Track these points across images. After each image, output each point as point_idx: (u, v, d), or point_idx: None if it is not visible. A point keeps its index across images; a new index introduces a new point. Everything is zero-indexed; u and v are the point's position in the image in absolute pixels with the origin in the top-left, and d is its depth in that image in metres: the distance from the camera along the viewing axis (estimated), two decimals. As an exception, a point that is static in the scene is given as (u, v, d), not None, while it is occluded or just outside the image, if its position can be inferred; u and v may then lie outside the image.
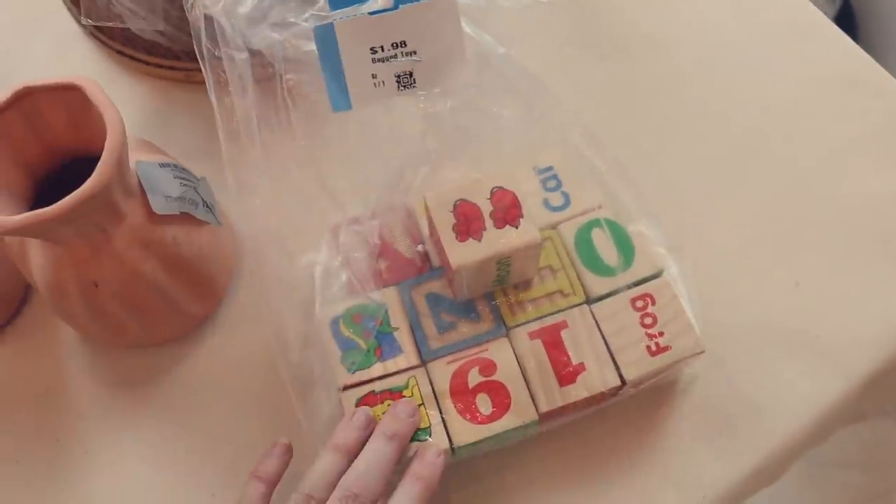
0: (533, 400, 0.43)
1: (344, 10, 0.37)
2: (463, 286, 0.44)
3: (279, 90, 0.40)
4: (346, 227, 0.48)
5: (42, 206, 0.40)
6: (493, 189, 0.44)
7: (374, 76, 0.39)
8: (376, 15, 0.38)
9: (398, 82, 0.39)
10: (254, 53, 0.39)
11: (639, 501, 0.46)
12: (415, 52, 0.38)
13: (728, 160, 0.56)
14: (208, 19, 0.38)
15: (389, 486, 0.41)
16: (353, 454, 0.41)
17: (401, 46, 0.38)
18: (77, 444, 0.50)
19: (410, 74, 0.39)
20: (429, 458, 0.42)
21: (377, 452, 0.41)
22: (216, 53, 0.39)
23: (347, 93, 0.39)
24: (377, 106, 0.40)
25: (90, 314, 0.47)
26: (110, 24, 0.53)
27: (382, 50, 0.38)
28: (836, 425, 0.50)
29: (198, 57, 0.39)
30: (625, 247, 0.46)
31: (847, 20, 1.18)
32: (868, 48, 0.59)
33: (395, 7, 0.37)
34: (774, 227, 0.53)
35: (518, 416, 0.43)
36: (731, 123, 0.57)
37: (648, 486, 0.46)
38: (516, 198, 0.43)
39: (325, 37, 0.38)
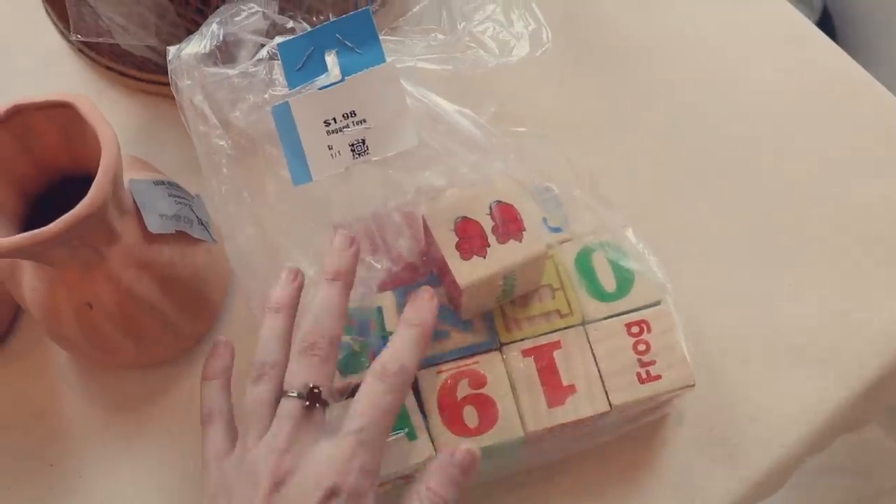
0: (521, 418, 0.43)
1: (301, 86, 0.40)
2: (470, 304, 0.43)
3: (260, 161, 0.42)
4: (347, 228, 0.47)
5: (34, 227, 0.39)
6: (491, 204, 0.43)
7: (329, 147, 0.41)
8: (326, 89, 0.40)
9: (352, 150, 0.41)
10: (234, 129, 0.42)
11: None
12: (364, 120, 0.41)
13: (720, 170, 0.56)
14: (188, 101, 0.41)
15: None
16: (293, 310, 0.41)
17: (351, 116, 0.41)
18: (71, 468, 0.49)
19: (363, 142, 0.41)
20: (420, 303, 0.41)
21: (326, 297, 0.39)
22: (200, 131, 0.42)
23: (307, 166, 0.41)
24: (336, 175, 0.42)
25: (84, 336, 0.46)
26: (100, 40, 0.52)
27: (335, 121, 0.41)
28: (837, 433, 0.50)
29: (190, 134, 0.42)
30: (624, 274, 0.46)
31: (826, 27, 1.20)
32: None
33: (343, 80, 0.40)
34: (770, 238, 0.53)
35: (504, 431, 0.42)
36: (721, 133, 0.57)
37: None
38: (516, 211, 0.43)
39: (283, 115, 0.40)
